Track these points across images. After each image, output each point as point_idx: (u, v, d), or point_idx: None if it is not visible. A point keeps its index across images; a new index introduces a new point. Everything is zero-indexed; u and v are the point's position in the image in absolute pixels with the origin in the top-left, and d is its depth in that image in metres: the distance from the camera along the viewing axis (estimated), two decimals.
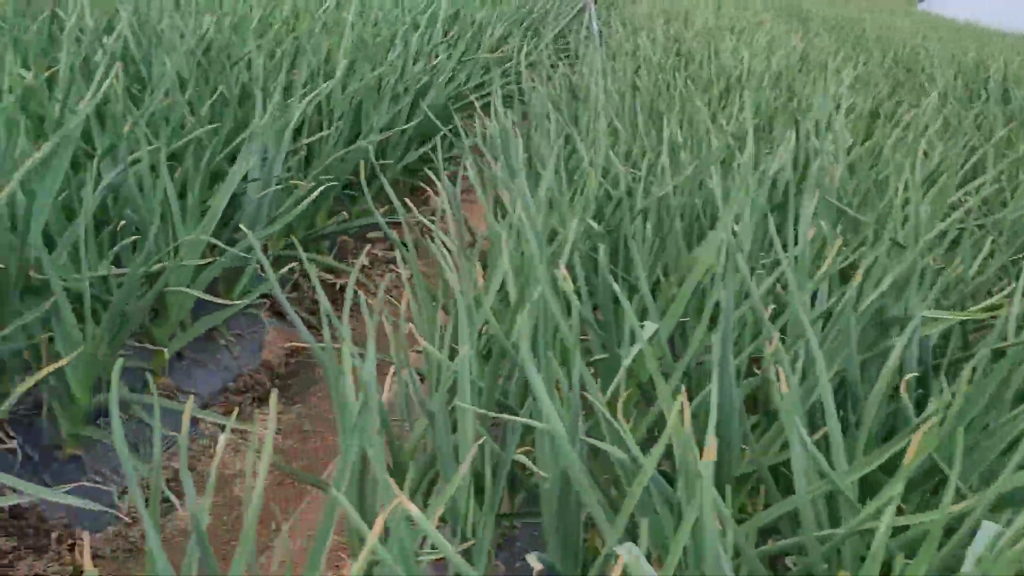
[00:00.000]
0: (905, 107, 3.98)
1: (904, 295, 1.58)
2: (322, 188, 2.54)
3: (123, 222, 2.13)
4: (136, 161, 2.22)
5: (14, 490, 1.98)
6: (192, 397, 2.24)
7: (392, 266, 3.84)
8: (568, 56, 6.11)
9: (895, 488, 0.96)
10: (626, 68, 3.85)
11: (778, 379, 1.31)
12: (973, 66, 5.97)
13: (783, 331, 1.70)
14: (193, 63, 2.79)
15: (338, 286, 3.39)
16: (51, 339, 2.00)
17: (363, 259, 3.83)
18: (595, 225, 1.63)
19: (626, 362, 1.54)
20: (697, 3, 8.91)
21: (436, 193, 3.61)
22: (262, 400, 2.64)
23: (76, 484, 1.86)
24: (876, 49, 7.40)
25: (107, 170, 2.18)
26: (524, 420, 1.23)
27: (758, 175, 1.99)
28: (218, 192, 2.28)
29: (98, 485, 2.07)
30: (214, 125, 2.39)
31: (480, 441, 1.27)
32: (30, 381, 1.39)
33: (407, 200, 4.40)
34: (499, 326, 1.51)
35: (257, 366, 2.70)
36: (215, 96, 2.61)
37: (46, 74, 2.35)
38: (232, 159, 2.67)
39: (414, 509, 0.88)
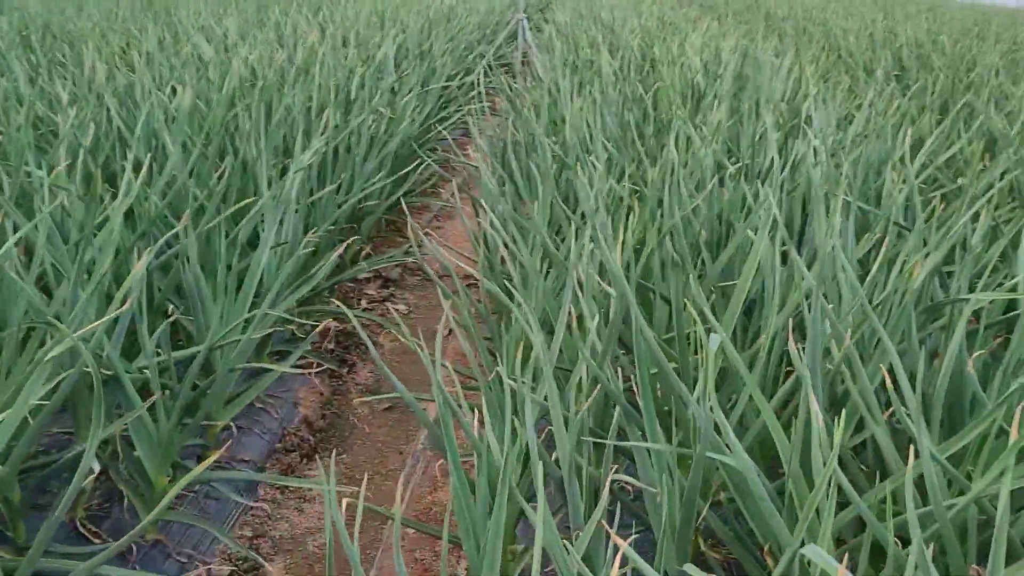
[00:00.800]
0: (844, 89, 4.24)
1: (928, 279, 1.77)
2: (337, 252, 2.62)
3: (171, 306, 2.18)
4: (165, 247, 2.29)
5: None
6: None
7: (389, 303, 3.93)
8: (509, 69, 6.26)
9: (1008, 460, 1.12)
10: (585, 81, 4.01)
11: (853, 372, 1.47)
12: (884, 38, 6.33)
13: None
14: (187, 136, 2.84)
15: (346, 330, 3.46)
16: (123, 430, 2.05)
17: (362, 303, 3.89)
18: (671, 248, 1.77)
19: (703, 373, 1.68)
20: (614, 3, 9.16)
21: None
22: (309, 456, 2.71)
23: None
24: (791, 30, 7.76)
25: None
26: (658, 447, 1.36)
27: (772, 180, 2.16)
28: (250, 269, 2.36)
29: (184, 566, 2.12)
30: (237, 206, 2.45)
31: (618, 482, 1.39)
32: None
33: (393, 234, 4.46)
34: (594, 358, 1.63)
35: (298, 424, 2.77)
36: (220, 171, 2.67)
37: (54, 173, 2.38)
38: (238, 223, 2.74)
39: (634, 555, 1.00)
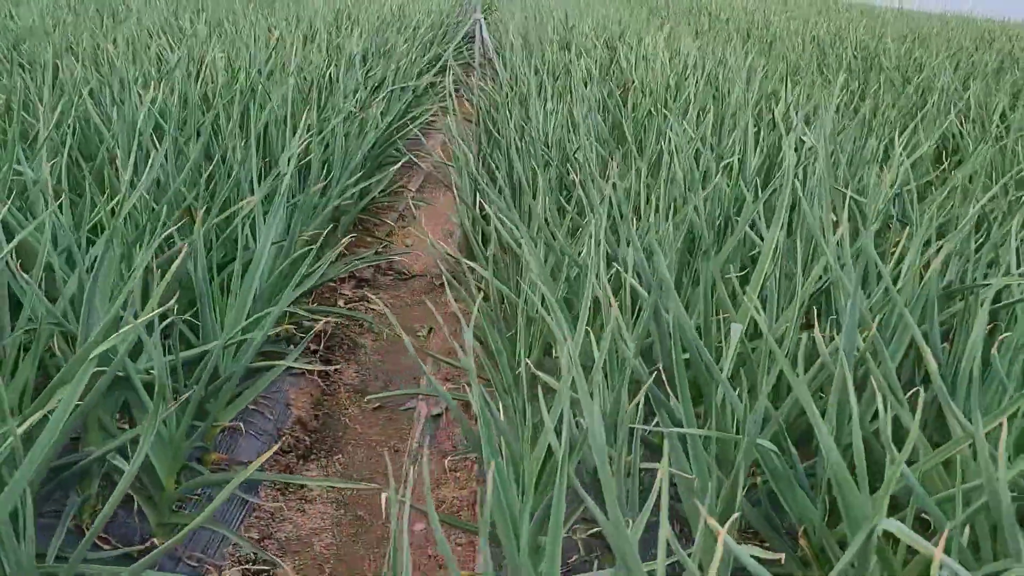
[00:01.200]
0: (807, 89, 4.38)
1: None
2: (338, 248, 2.60)
3: (175, 306, 2.14)
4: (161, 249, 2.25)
5: None
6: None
7: (364, 303, 3.91)
8: (466, 68, 6.27)
9: None
10: (557, 81, 4.05)
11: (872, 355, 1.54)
12: (831, 40, 6.54)
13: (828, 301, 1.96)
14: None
15: (326, 331, 3.43)
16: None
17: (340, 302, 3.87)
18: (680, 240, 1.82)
19: (727, 365, 1.73)
20: (563, 4, 9.24)
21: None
22: (305, 457, 2.69)
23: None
24: (735, 31, 7.95)
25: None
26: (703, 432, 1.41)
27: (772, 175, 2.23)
28: (249, 269, 2.34)
29: (195, 569, 2.08)
30: (235, 207, 2.43)
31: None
32: None
33: (363, 234, 4.44)
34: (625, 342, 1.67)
35: (292, 424, 2.74)
36: (209, 171, 2.64)
37: (45, 173, 2.32)
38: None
39: (732, 542, 1.04)
